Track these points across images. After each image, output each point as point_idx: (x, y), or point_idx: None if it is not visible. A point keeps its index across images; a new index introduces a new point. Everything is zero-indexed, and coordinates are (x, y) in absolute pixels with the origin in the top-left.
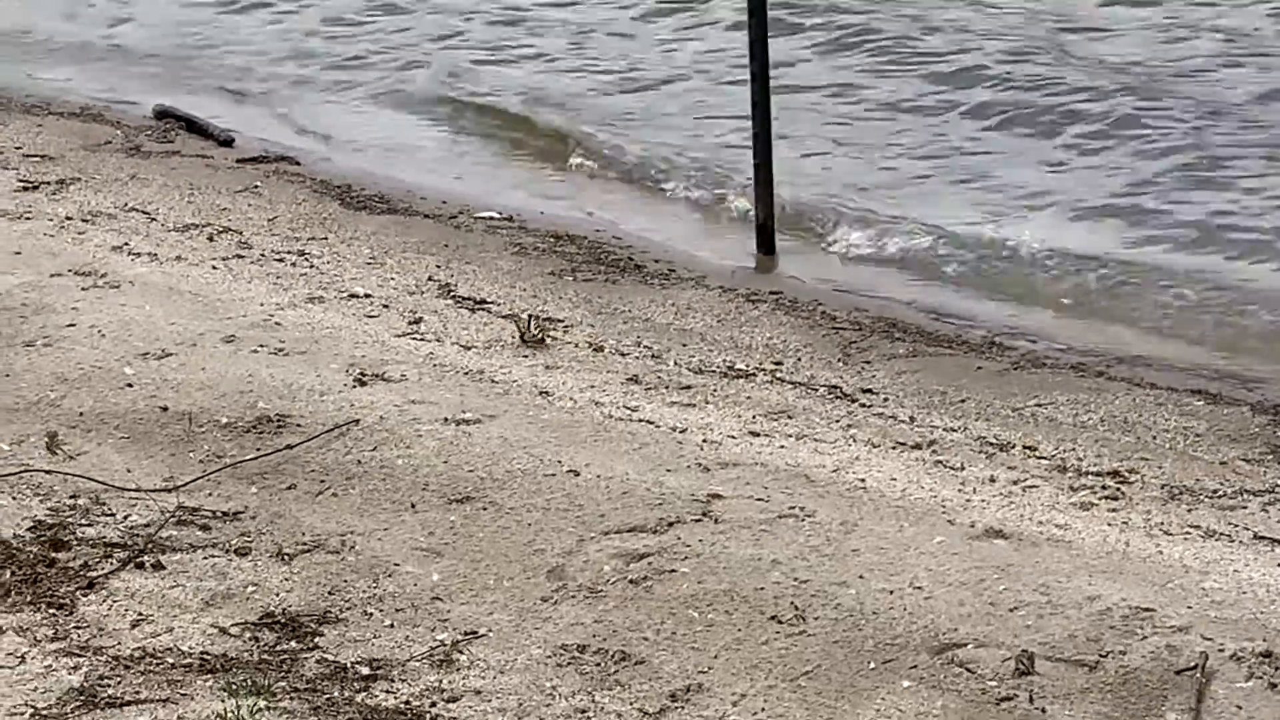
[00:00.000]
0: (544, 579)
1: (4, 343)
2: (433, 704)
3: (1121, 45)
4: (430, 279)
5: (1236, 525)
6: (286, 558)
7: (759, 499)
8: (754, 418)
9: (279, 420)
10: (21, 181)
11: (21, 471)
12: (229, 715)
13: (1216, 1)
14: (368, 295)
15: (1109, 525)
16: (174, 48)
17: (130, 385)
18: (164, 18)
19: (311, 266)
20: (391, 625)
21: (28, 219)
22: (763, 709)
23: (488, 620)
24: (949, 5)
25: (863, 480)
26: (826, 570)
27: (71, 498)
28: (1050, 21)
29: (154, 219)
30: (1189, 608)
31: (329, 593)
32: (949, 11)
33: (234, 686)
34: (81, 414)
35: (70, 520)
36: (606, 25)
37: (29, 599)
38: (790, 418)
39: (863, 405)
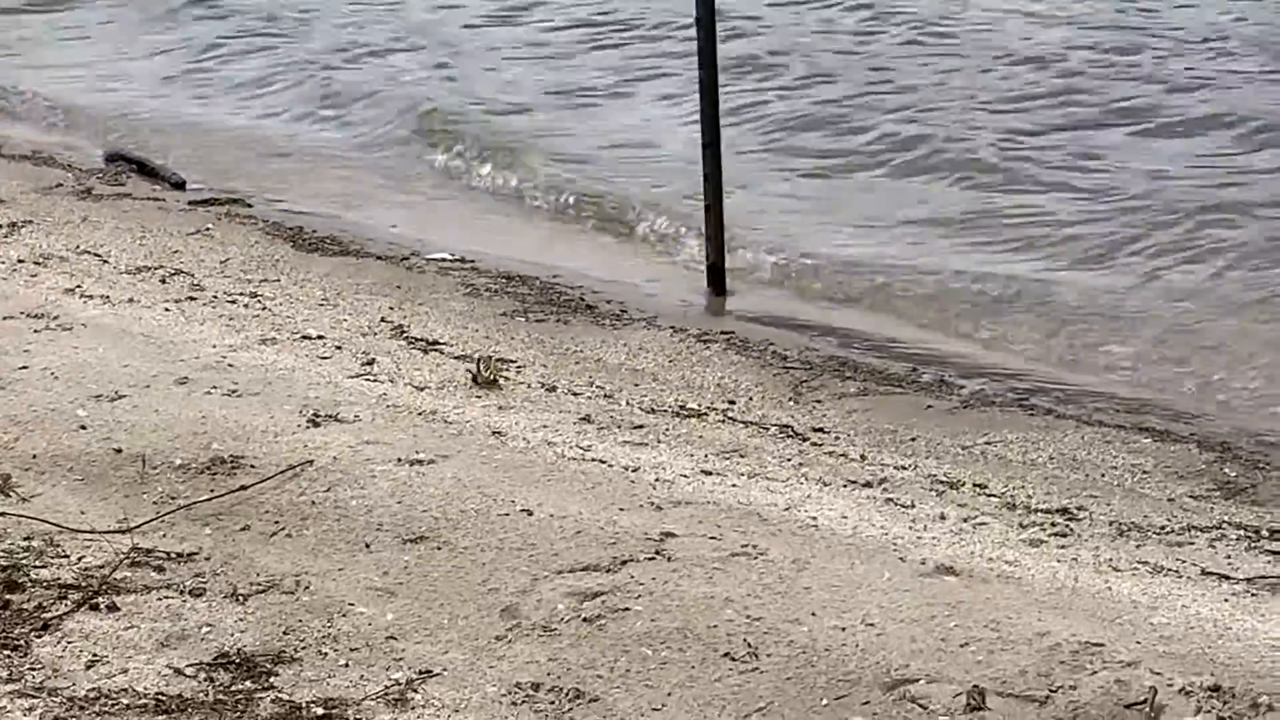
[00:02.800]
0: (498, 618)
1: None
2: None
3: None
4: (383, 320)
5: (1184, 561)
6: (241, 598)
7: (711, 537)
8: (706, 457)
9: (233, 461)
10: None
11: None
12: None
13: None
14: (320, 337)
15: (1058, 562)
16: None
17: (84, 427)
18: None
19: (264, 308)
20: (346, 665)
21: None
22: None
23: (442, 659)
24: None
25: (814, 518)
26: (779, 608)
27: (25, 540)
28: (1001, 63)
29: (106, 261)
30: (1138, 643)
31: (284, 633)
32: (904, 54)
33: None
34: (35, 456)
35: (24, 562)
36: (552, 59)
37: None
38: (742, 456)
39: (814, 444)
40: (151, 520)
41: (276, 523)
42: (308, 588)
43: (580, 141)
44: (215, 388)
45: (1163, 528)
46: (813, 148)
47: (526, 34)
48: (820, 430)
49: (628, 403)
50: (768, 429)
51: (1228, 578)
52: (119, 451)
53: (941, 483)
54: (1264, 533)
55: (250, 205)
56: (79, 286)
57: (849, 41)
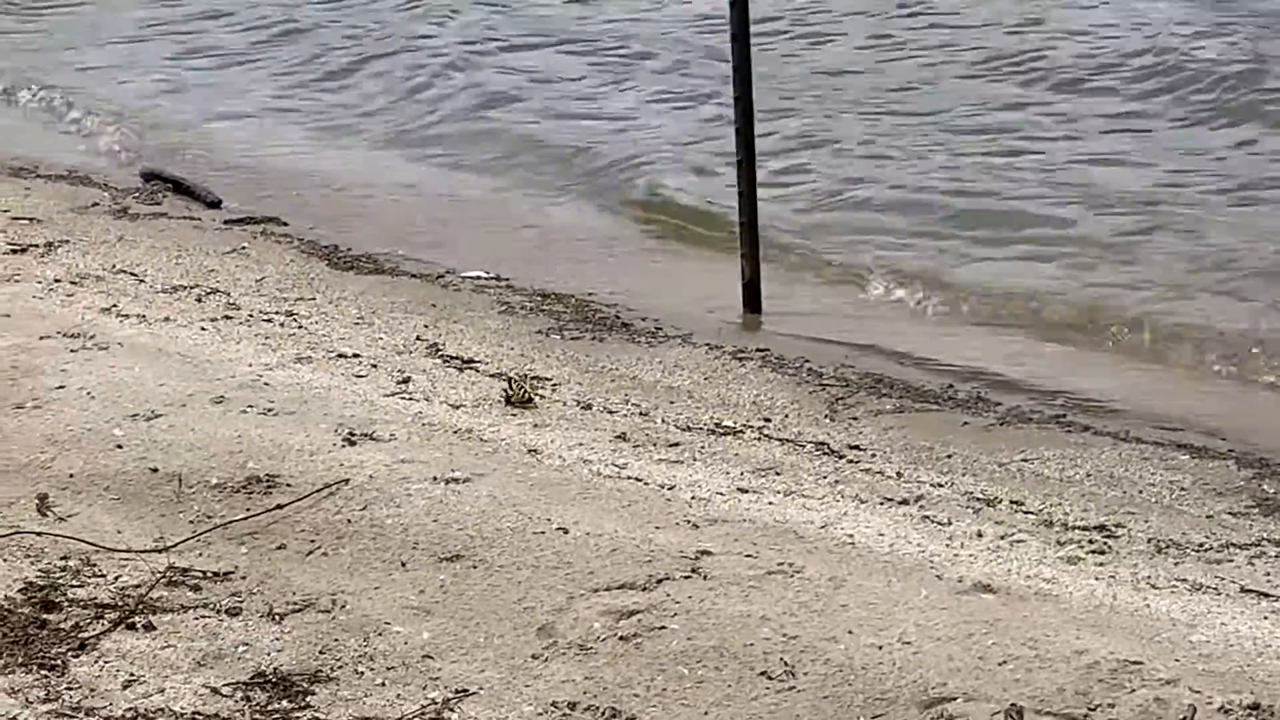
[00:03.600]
0: (534, 636)
1: None
2: None
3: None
4: (418, 338)
5: (1223, 578)
6: (277, 617)
7: (748, 555)
8: (742, 474)
9: (269, 480)
10: (10, 244)
11: (12, 533)
12: None
13: None
14: (356, 355)
15: (1096, 579)
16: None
17: (120, 447)
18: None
19: (300, 327)
20: (383, 684)
21: (16, 281)
22: None
23: (479, 678)
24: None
25: (851, 536)
26: (815, 626)
27: (62, 559)
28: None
29: (142, 281)
30: (1177, 660)
31: (320, 652)
32: (938, 58)
33: None
34: (71, 475)
35: (61, 581)
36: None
37: (20, 660)
38: (778, 474)
39: (850, 461)
40: (188, 539)
41: (312, 541)
42: (344, 606)
43: (607, 151)
44: (251, 406)
45: (1201, 545)
46: (849, 157)
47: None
48: (856, 447)
49: (663, 420)
50: (804, 446)
51: (1267, 595)
52: (155, 471)
53: (978, 500)
54: None
55: (286, 224)
56: (115, 306)
57: (868, 55)
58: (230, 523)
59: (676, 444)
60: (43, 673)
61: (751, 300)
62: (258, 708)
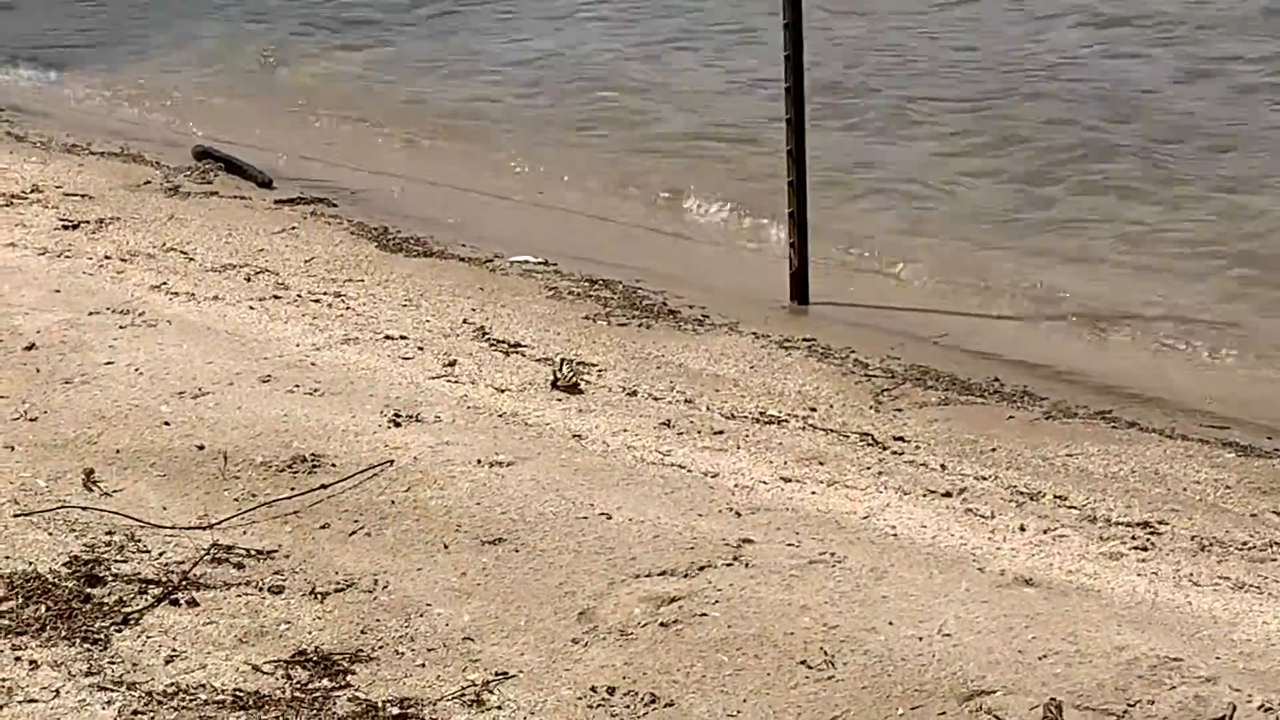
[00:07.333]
0: (575, 621)
1: (43, 380)
2: None
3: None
4: (465, 321)
5: (1266, 577)
6: (319, 596)
7: (790, 544)
8: (786, 463)
9: (313, 460)
10: (62, 220)
11: (58, 508)
12: None
13: None
14: (403, 337)
15: (1138, 575)
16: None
17: (167, 423)
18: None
19: (347, 308)
20: (423, 665)
21: (67, 258)
22: None
23: (519, 661)
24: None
25: (893, 527)
26: (856, 616)
27: (107, 534)
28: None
29: (192, 259)
30: (1217, 658)
31: (361, 632)
32: (993, 69)
33: None
34: (118, 451)
35: (106, 556)
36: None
37: (64, 634)
38: (822, 464)
39: (894, 452)
40: (232, 517)
41: (356, 522)
42: (386, 587)
43: (661, 144)
44: (297, 386)
45: (1244, 543)
46: (899, 150)
47: None
48: (900, 439)
49: (708, 408)
50: (848, 437)
51: None
52: (201, 448)
53: (1021, 494)
54: None
55: (335, 205)
56: (165, 283)
57: (929, 46)
58: (274, 501)
59: (721, 432)
60: (86, 646)
61: (799, 290)
62: (298, 685)
